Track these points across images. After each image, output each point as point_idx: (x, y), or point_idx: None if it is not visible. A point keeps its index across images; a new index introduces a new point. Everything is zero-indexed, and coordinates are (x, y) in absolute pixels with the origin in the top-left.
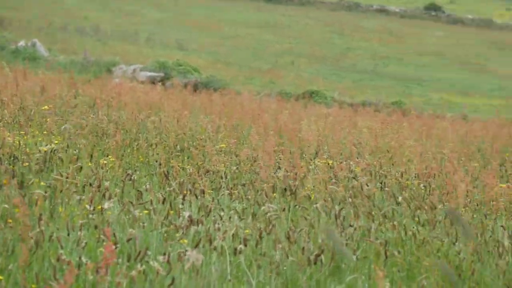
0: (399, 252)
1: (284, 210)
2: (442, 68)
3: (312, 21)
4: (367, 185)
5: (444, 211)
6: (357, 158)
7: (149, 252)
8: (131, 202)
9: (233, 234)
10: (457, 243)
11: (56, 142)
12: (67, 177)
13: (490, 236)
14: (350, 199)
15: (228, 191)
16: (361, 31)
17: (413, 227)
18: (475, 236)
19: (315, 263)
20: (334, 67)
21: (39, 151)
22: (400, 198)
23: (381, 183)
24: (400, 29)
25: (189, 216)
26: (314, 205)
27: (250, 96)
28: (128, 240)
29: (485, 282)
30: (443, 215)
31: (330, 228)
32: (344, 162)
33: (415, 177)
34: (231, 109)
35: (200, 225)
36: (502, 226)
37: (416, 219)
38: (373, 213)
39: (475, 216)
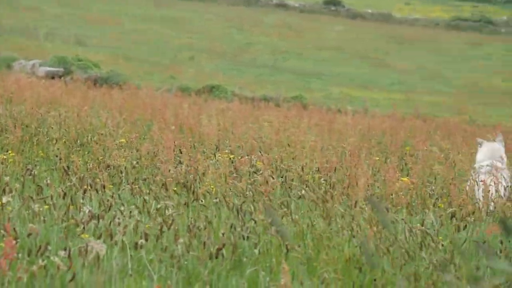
0: (299, 246)
1: (185, 204)
2: (342, 63)
3: (212, 16)
4: (272, 178)
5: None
6: (259, 153)
7: (49, 247)
8: (31, 197)
9: (133, 229)
10: (356, 237)
11: None
12: None
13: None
14: (251, 193)
15: (128, 186)
16: (260, 26)
17: (313, 221)
18: (391, 224)
19: (216, 257)
20: (234, 62)
21: None
22: (302, 192)
23: (282, 177)
24: (300, 23)
25: (90, 211)
26: (215, 200)
27: (151, 91)
28: (29, 235)
29: (385, 275)
30: (343, 208)
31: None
32: (246, 157)
33: (316, 171)
34: (131, 104)
35: (100, 220)
36: (402, 219)
37: (317, 212)
38: (275, 207)
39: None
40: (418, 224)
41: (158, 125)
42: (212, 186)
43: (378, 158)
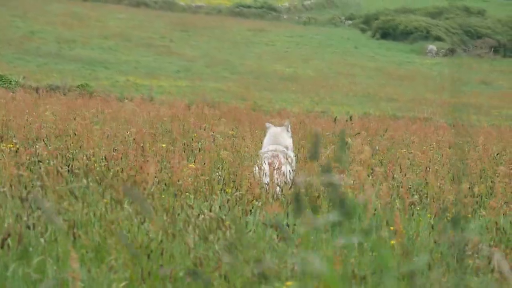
0: (86, 233)
1: None
2: (127, 51)
3: None
4: (61, 168)
5: (123, 189)
6: (44, 142)
7: None
8: None
9: None
10: (145, 224)
11: None
12: None
13: (179, 215)
14: (38, 182)
15: None
16: (44, 15)
17: (101, 208)
18: (161, 212)
19: (1, 247)
20: (18, 51)
21: None
22: (88, 180)
23: (68, 166)
24: (84, 12)
25: None
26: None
27: None
28: None
29: (174, 260)
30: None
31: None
32: (32, 147)
33: (103, 159)
34: None
35: None
36: (190, 205)
37: (105, 199)
38: (63, 195)
39: (163, 196)
40: (206, 210)
41: None
42: None
43: (164, 145)
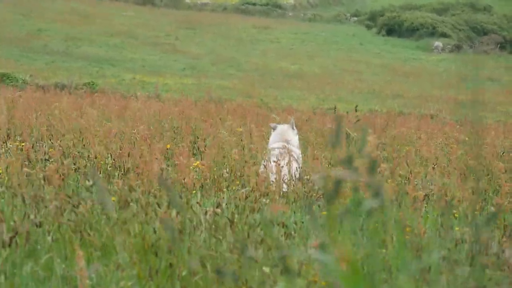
0: (94, 232)
1: None
2: (133, 49)
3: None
4: (75, 164)
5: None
6: (50, 140)
7: None
8: None
9: None
10: (153, 223)
11: None
12: None
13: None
14: (43, 181)
15: None
16: (51, 13)
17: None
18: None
19: (9, 245)
20: (24, 50)
21: None
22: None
23: (74, 164)
24: (88, 10)
25: None
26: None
27: None
28: None
29: (182, 258)
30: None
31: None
32: (38, 144)
33: (109, 156)
34: None
35: None
36: (197, 202)
37: (113, 198)
38: (68, 194)
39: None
40: (211, 208)
41: None
42: (5, 175)
43: (169, 146)
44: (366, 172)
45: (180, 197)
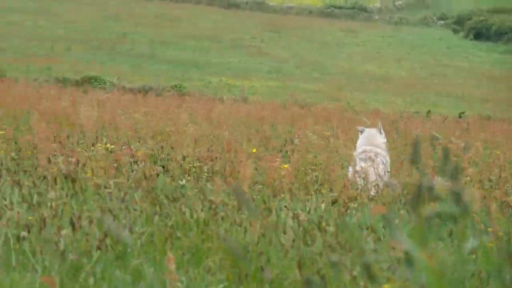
0: (184, 235)
1: (67, 196)
2: (219, 52)
3: (87, 7)
4: (155, 169)
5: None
6: (138, 143)
7: None
8: None
9: (16, 221)
10: (242, 225)
11: None
12: None
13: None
14: (132, 184)
15: (9, 178)
16: (137, 16)
17: (199, 210)
18: (259, 213)
19: (99, 249)
20: (111, 53)
21: None
22: (183, 181)
23: (163, 166)
24: (174, 13)
25: None
26: (103, 191)
27: (28, 83)
28: None
29: (271, 261)
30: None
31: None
32: (126, 147)
33: (197, 160)
34: (7, 96)
35: None
36: (285, 206)
37: (202, 202)
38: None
39: (258, 197)
40: (300, 211)
41: (36, 117)
42: (95, 177)
43: (255, 150)
44: (450, 177)
45: (264, 202)
